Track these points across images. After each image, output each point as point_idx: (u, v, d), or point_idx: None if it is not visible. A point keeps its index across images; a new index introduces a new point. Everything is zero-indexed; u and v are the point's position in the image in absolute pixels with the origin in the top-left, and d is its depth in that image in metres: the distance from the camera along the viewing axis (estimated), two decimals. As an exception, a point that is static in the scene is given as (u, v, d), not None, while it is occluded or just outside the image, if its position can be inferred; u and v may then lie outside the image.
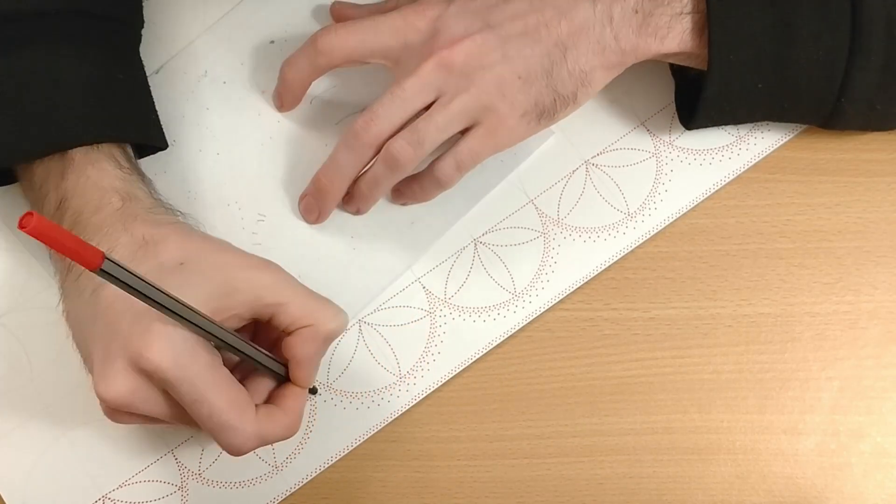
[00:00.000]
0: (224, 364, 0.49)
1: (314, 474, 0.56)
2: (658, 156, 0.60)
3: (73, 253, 0.38)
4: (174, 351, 0.46)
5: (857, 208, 0.60)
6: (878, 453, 0.57)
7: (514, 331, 0.58)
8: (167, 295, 0.44)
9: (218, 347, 0.49)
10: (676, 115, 0.60)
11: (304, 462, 0.56)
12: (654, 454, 0.57)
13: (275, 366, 0.51)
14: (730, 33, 0.52)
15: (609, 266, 0.59)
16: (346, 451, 0.57)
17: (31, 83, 0.52)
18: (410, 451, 0.57)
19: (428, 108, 0.53)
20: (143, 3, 0.59)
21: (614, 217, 0.59)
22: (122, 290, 0.43)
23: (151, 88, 0.57)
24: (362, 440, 0.57)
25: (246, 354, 0.50)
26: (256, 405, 0.50)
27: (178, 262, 0.49)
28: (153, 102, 0.57)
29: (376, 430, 0.57)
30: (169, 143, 0.58)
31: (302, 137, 0.60)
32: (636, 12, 0.53)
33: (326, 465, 0.57)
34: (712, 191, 0.60)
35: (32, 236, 0.37)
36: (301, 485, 0.56)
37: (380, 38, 0.54)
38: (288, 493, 0.56)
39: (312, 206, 0.58)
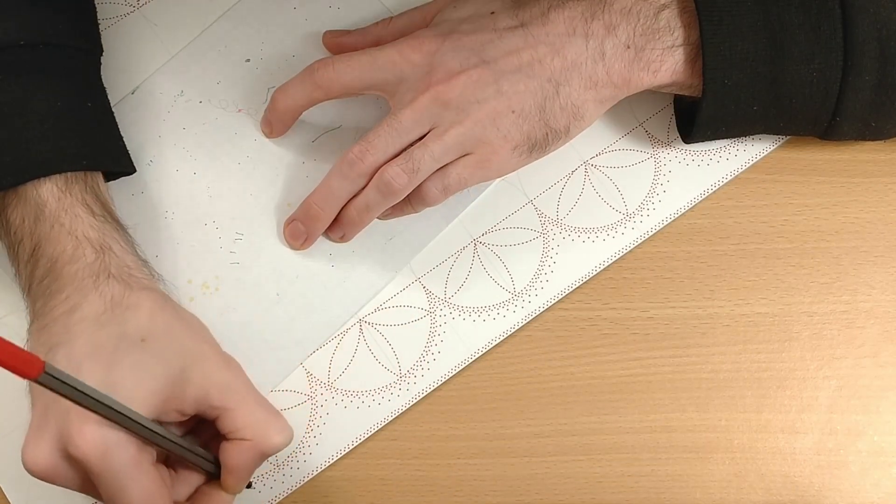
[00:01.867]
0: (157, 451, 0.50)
1: (315, 472, 0.57)
2: (656, 157, 0.60)
3: (9, 364, 0.37)
4: (104, 444, 0.46)
5: (854, 209, 0.61)
6: (876, 452, 0.57)
7: (513, 330, 0.58)
8: (104, 403, 0.44)
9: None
10: (675, 121, 0.61)
11: (306, 460, 0.57)
12: (652, 453, 0.57)
13: (208, 465, 0.52)
14: (723, 57, 0.53)
15: (608, 266, 0.59)
16: (347, 450, 0.57)
17: (6, 115, 0.52)
18: (410, 449, 0.57)
19: (421, 138, 0.54)
20: (115, 23, 0.61)
21: (613, 217, 0.60)
22: (75, 354, 0.45)
23: (128, 109, 0.58)
24: (363, 439, 0.57)
25: (178, 455, 0.50)
26: (178, 502, 0.51)
27: (141, 337, 0.49)
28: (118, 128, 0.57)
29: (377, 429, 0.57)
30: (147, 163, 0.59)
31: (279, 156, 0.60)
32: (628, 48, 0.54)
33: (327, 464, 0.57)
34: (710, 191, 0.60)
35: None
36: (302, 483, 0.57)
37: (377, 72, 0.55)
38: (289, 492, 0.57)
39: (300, 232, 0.58)
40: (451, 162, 0.55)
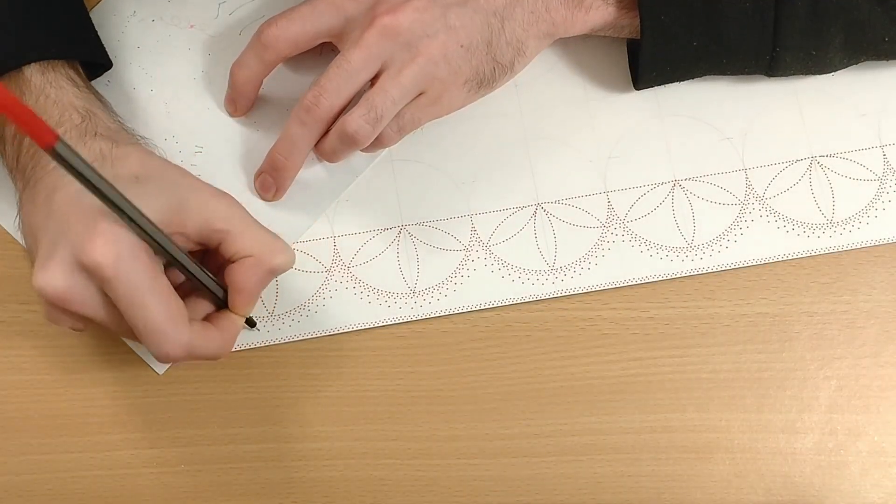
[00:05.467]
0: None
1: (296, 338, 0.58)
2: (884, 182, 0.60)
3: (28, 127, 0.38)
4: (117, 249, 0.46)
5: (854, 208, 0.61)
6: (876, 452, 0.57)
7: (532, 299, 0.58)
8: (117, 192, 0.44)
9: (164, 263, 0.49)
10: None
11: (294, 325, 0.57)
12: (652, 453, 0.57)
13: (215, 288, 0.51)
14: None
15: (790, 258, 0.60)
16: (335, 332, 0.58)
17: None
18: (410, 449, 0.57)
19: (375, 75, 0.54)
20: None
21: (816, 219, 0.60)
22: (73, 191, 0.43)
23: None
24: (354, 329, 0.58)
25: (186, 268, 0.49)
26: (191, 320, 0.49)
27: (134, 176, 0.49)
28: (91, 21, 0.57)
29: (367, 327, 0.58)
30: (105, 84, 0.59)
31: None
32: None
33: (310, 336, 0.58)
34: None
35: None
36: (282, 341, 0.58)
37: (320, 18, 0.54)
38: (268, 344, 0.57)
39: (269, 184, 0.58)
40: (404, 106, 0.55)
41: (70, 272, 0.46)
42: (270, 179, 0.58)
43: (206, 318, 0.52)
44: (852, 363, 0.58)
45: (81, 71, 0.55)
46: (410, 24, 0.53)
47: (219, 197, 0.50)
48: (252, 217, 0.51)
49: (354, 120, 0.53)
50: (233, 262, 0.50)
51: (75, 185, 0.45)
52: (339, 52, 0.54)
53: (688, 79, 0.59)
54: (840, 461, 0.57)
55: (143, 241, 0.47)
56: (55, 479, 0.56)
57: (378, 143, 0.56)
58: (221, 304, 0.52)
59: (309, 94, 0.54)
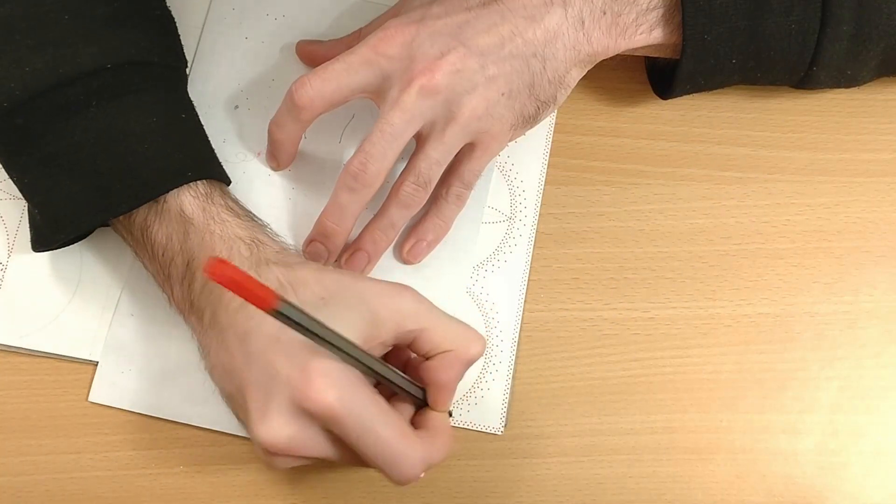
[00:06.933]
0: None
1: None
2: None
3: (251, 295, 0.40)
4: (336, 387, 0.45)
5: (856, 208, 0.60)
6: (878, 453, 0.57)
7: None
8: (332, 332, 0.45)
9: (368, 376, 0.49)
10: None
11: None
12: (653, 454, 0.57)
13: (416, 391, 0.51)
14: (703, 13, 0.53)
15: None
16: None
17: (106, 141, 0.51)
18: (410, 450, 0.57)
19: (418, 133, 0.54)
20: None
21: None
22: (268, 333, 0.45)
23: None
24: None
25: (392, 382, 0.50)
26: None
27: (320, 298, 0.48)
28: (208, 139, 0.56)
29: None
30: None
31: (321, 181, 0.60)
32: (604, 13, 0.54)
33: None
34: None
35: (219, 283, 0.38)
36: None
37: (355, 76, 0.53)
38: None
39: (321, 251, 0.57)
40: (459, 160, 0.55)
41: (292, 419, 0.46)
42: (322, 246, 0.57)
43: (414, 421, 0.51)
44: (854, 364, 0.58)
45: (230, 193, 0.54)
46: (449, 82, 0.52)
47: (402, 294, 0.50)
48: (438, 309, 0.50)
49: (405, 186, 0.55)
50: (428, 357, 0.50)
51: (269, 328, 0.46)
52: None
53: (717, 89, 0.59)
54: (842, 462, 0.57)
55: (355, 368, 0.47)
56: (53, 479, 0.56)
57: (456, 206, 0.57)
58: (421, 403, 0.52)
59: (355, 160, 0.53)
